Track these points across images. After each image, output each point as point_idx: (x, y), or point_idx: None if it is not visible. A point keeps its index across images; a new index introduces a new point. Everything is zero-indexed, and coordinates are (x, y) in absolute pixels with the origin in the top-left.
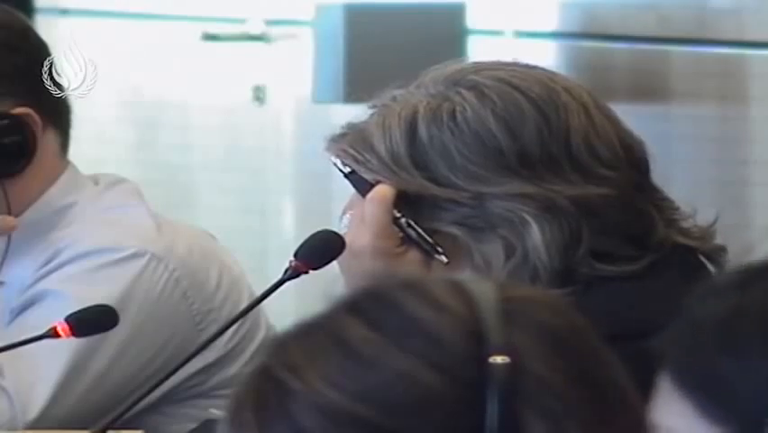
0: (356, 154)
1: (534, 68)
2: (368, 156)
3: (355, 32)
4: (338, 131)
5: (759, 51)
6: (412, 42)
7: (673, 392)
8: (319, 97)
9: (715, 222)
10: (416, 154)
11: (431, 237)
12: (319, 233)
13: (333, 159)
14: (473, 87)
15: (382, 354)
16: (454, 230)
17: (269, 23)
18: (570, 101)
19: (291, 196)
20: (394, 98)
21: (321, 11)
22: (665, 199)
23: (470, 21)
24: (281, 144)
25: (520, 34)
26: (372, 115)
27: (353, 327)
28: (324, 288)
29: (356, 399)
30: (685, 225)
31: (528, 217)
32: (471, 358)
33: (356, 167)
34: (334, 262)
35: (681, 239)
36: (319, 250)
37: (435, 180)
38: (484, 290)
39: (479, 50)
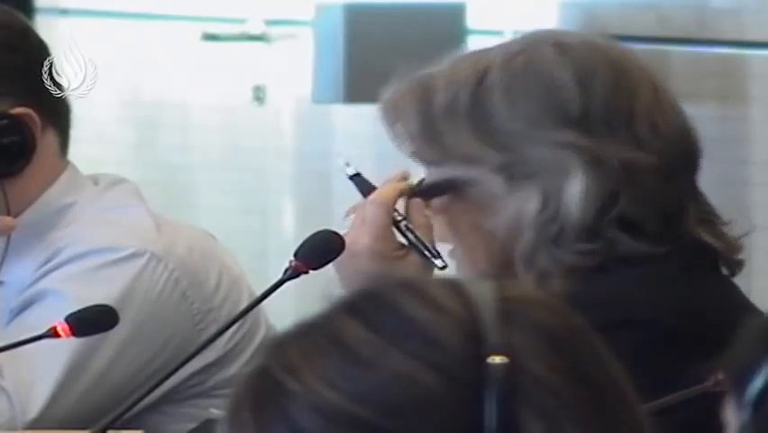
0: (408, 103)
1: (618, 45)
2: (418, 104)
3: (355, 32)
4: (404, 78)
5: (759, 51)
6: (412, 42)
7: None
8: (319, 97)
9: (745, 234)
10: (476, 102)
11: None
12: (319, 233)
13: (384, 113)
14: (555, 45)
15: (380, 355)
16: (492, 177)
17: (269, 23)
18: (643, 78)
19: (291, 196)
20: (472, 52)
21: (321, 11)
22: (703, 200)
23: (470, 21)
24: (281, 144)
25: (520, 34)
26: (442, 65)
27: (351, 327)
28: (323, 288)
29: (354, 399)
30: (716, 229)
31: (573, 168)
32: (469, 358)
33: (396, 117)
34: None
35: (707, 237)
36: (319, 250)
37: (485, 128)
38: (482, 291)
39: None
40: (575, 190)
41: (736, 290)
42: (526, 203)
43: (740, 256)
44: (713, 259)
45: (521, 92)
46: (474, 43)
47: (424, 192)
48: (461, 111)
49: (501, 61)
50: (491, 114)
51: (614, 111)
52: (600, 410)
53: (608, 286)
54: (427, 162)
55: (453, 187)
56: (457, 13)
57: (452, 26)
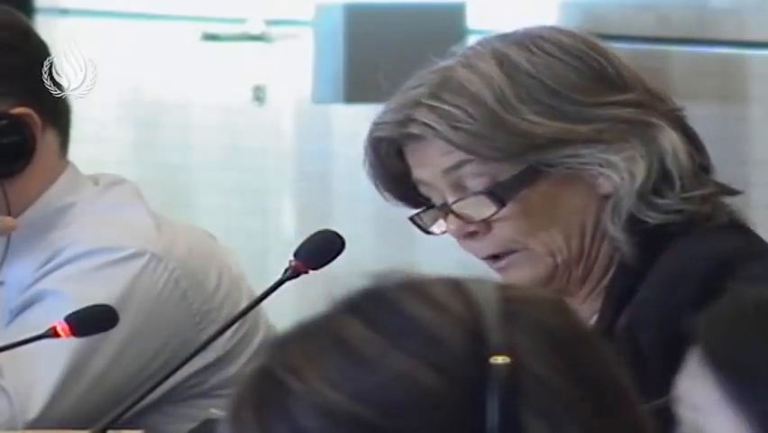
0: (454, 111)
1: None
2: (471, 110)
3: (355, 32)
4: (418, 90)
5: (759, 51)
6: (412, 42)
7: (703, 371)
8: (319, 97)
9: None
10: (519, 89)
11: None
12: (319, 233)
13: (422, 126)
14: (546, 29)
15: (382, 355)
16: (586, 150)
17: (269, 23)
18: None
19: (291, 196)
20: (461, 54)
21: (321, 11)
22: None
23: (470, 21)
24: (281, 144)
25: None
26: (445, 71)
27: (353, 327)
28: (324, 288)
29: (356, 399)
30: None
31: (658, 120)
32: (471, 358)
33: (454, 126)
34: (334, 262)
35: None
36: (319, 250)
37: (553, 107)
38: (484, 290)
39: None
40: (673, 140)
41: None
42: (632, 162)
43: None
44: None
45: (556, 66)
46: None
47: (508, 189)
48: (512, 100)
49: (513, 49)
50: (544, 93)
51: (629, 73)
52: (601, 410)
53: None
54: (499, 159)
55: (533, 174)
56: (457, 13)
57: (452, 26)
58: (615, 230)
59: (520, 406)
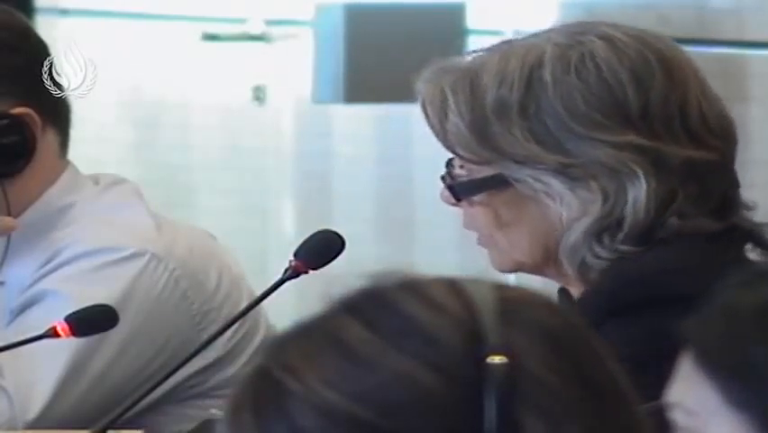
0: (454, 97)
1: (660, 35)
2: (464, 109)
3: (355, 32)
4: (438, 66)
5: (759, 51)
6: (412, 42)
7: (699, 375)
8: (319, 97)
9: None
10: (529, 99)
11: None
12: (319, 233)
13: (425, 103)
14: (605, 38)
15: (380, 355)
16: (550, 178)
17: (269, 23)
18: (689, 69)
19: (291, 196)
20: (510, 42)
21: (321, 11)
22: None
23: (470, 21)
24: (281, 144)
25: (520, 34)
26: (485, 55)
27: (351, 327)
28: (323, 288)
29: (354, 399)
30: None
31: (637, 169)
32: (469, 358)
33: (445, 113)
34: (334, 262)
35: (744, 223)
36: (319, 250)
37: (541, 129)
38: (482, 291)
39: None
40: (640, 192)
41: None
42: (588, 203)
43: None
44: (758, 244)
45: (577, 90)
46: (474, 43)
47: (467, 188)
48: (513, 109)
49: (554, 55)
50: (546, 112)
51: (670, 107)
52: (600, 410)
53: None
54: (475, 161)
55: (500, 183)
56: (457, 13)
57: (452, 26)
58: (561, 259)
59: (518, 406)
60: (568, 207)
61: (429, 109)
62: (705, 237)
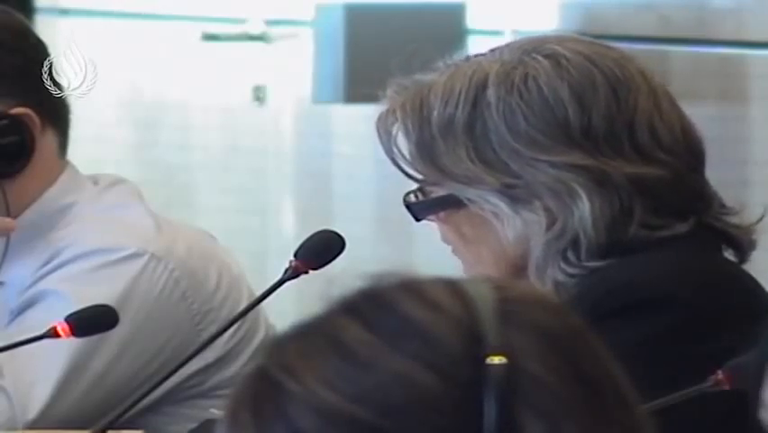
0: (403, 116)
1: (613, 49)
2: (413, 119)
3: (355, 32)
4: (402, 83)
5: (759, 51)
6: (412, 42)
7: None
8: (319, 97)
9: (761, 219)
10: (474, 119)
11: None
12: (319, 233)
13: (385, 114)
14: (550, 56)
15: (379, 356)
16: (493, 198)
17: (269, 23)
18: (642, 84)
19: (291, 196)
20: (467, 59)
21: (321, 11)
22: (714, 194)
23: (470, 21)
24: (281, 144)
25: (520, 34)
26: (440, 72)
27: (350, 328)
28: (324, 288)
29: (353, 400)
30: (731, 220)
31: (579, 188)
32: (468, 358)
33: (398, 127)
34: (334, 262)
35: (719, 225)
36: (319, 250)
37: (484, 148)
38: (480, 291)
39: (479, 51)
40: (584, 211)
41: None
42: (532, 224)
43: (752, 237)
44: (731, 245)
45: (520, 110)
46: (474, 43)
47: (422, 209)
48: (458, 128)
49: (498, 75)
50: (490, 132)
51: (615, 125)
52: (599, 410)
53: (629, 269)
54: (424, 181)
55: (454, 203)
56: (457, 13)
57: (452, 26)
58: (530, 275)
59: (517, 406)
60: (513, 228)
61: (380, 128)
62: (677, 241)
